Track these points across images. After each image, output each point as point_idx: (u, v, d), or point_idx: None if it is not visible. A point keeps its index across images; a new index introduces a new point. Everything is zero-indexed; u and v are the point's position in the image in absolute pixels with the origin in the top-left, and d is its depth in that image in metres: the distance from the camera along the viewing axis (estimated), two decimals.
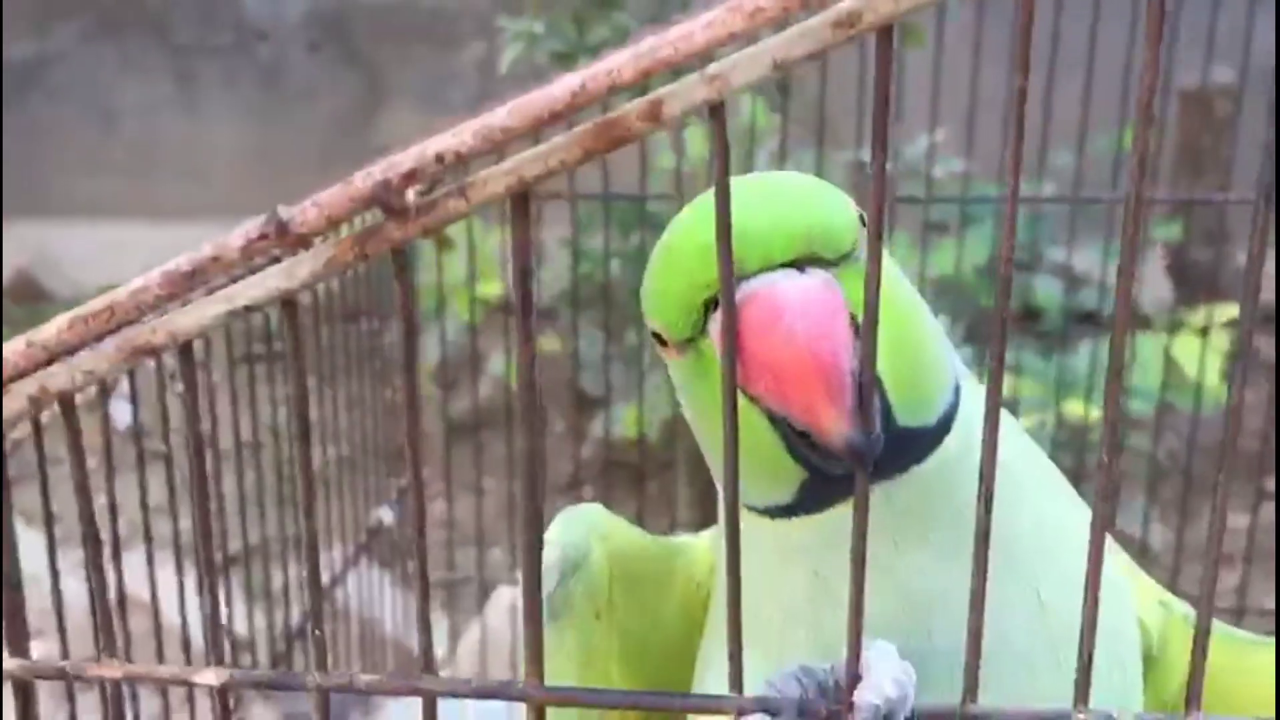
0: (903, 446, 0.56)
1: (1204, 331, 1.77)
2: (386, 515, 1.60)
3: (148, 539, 0.89)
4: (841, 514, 0.57)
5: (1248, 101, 1.72)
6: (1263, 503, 2.30)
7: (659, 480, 2.26)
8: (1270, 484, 2.39)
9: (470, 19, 4.22)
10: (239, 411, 1.32)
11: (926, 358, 0.57)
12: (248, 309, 0.45)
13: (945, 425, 0.57)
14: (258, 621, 1.41)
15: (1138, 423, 2.01)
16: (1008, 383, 1.82)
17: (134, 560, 1.09)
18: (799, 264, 0.54)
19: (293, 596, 1.46)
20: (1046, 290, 2.23)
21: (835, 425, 0.51)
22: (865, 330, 0.44)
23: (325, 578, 1.44)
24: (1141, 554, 1.76)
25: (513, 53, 2.65)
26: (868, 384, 0.47)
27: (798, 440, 0.55)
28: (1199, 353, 1.78)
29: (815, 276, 0.54)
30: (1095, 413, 1.86)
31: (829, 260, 0.55)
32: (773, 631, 0.60)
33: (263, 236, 0.43)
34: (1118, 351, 0.46)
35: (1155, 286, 2.29)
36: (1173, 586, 1.55)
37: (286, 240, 0.43)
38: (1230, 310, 1.96)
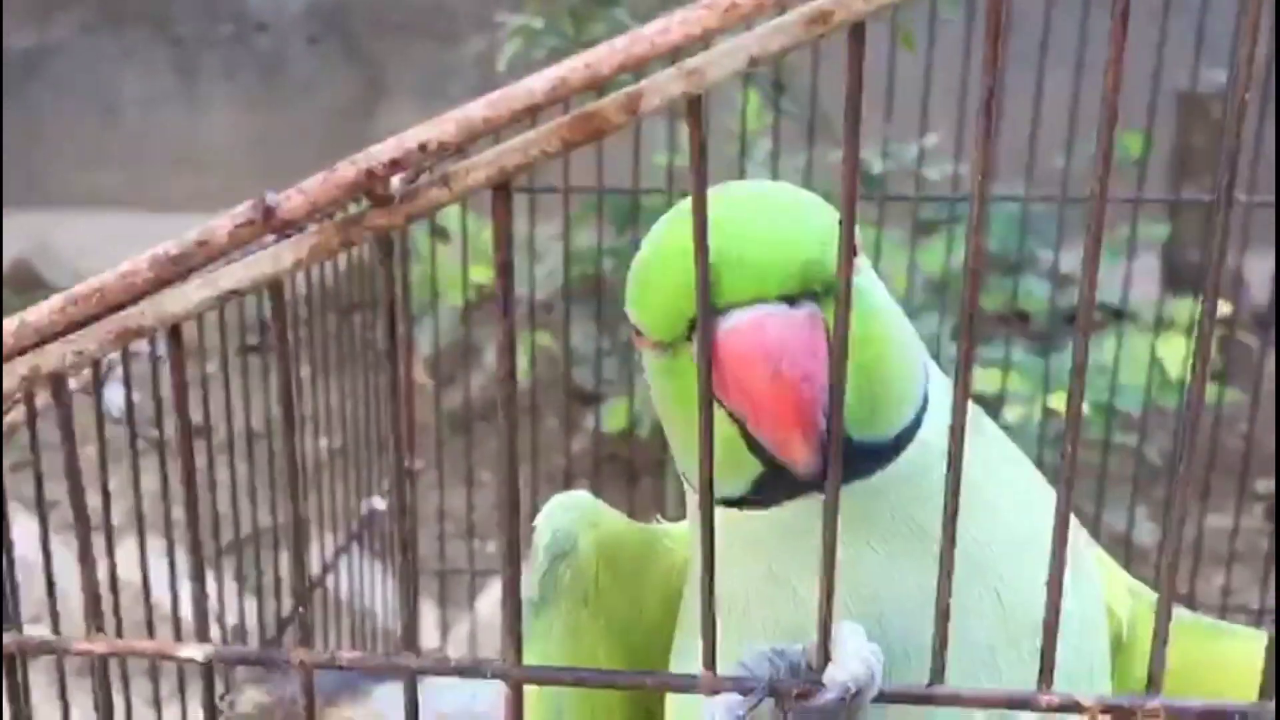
0: (855, 459, 0.57)
1: (1190, 330, 1.79)
2: (379, 504, 1.62)
3: (139, 520, 0.91)
4: (791, 511, 0.59)
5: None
6: (1251, 504, 2.32)
7: (651, 476, 2.27)
8: (1258, 485, 2.41)
9: (470, 14, 4.23)
10: (234, 402, 1.33)
11: (890, 379, 0.59)
12: (234, 293, 0.46)
13: (908, 436, 0.58)
14: (250, 611, 1.42)
15: (1125, 420, 2.02)
16: (997, 379, 1.83)
17: (127, 545, 1.11)
18: (789, 296, 0.55)
19: (284, 586, 1.47)
20: (1035, 291, 2.25)
21: (804, 457, 0.54)
22: (834, 368, 0.45)
23: (316, 566, 1.45)
24: (1127, 552, 1.78)
25: (511, 49, 2.67)
26: (836, 416, 0.47)
27: (760, 446, 0.56)
28: (1185, 352, 1.79)
29: (803, 312, 0.55)
30: (1084, 408, 1.87)
31: (817, 292, 0.56)
32: (733, 618, 0.61)
33: (248, 222, 0.44)
34: (1082, 335, 0.47)
35: (1146, 287, 2.30)
36: (1159, 585, 1.57)
37: (271, 226, 0.44)
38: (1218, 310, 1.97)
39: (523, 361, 2.08)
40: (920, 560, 0.58)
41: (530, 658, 0.66)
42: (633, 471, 1.90)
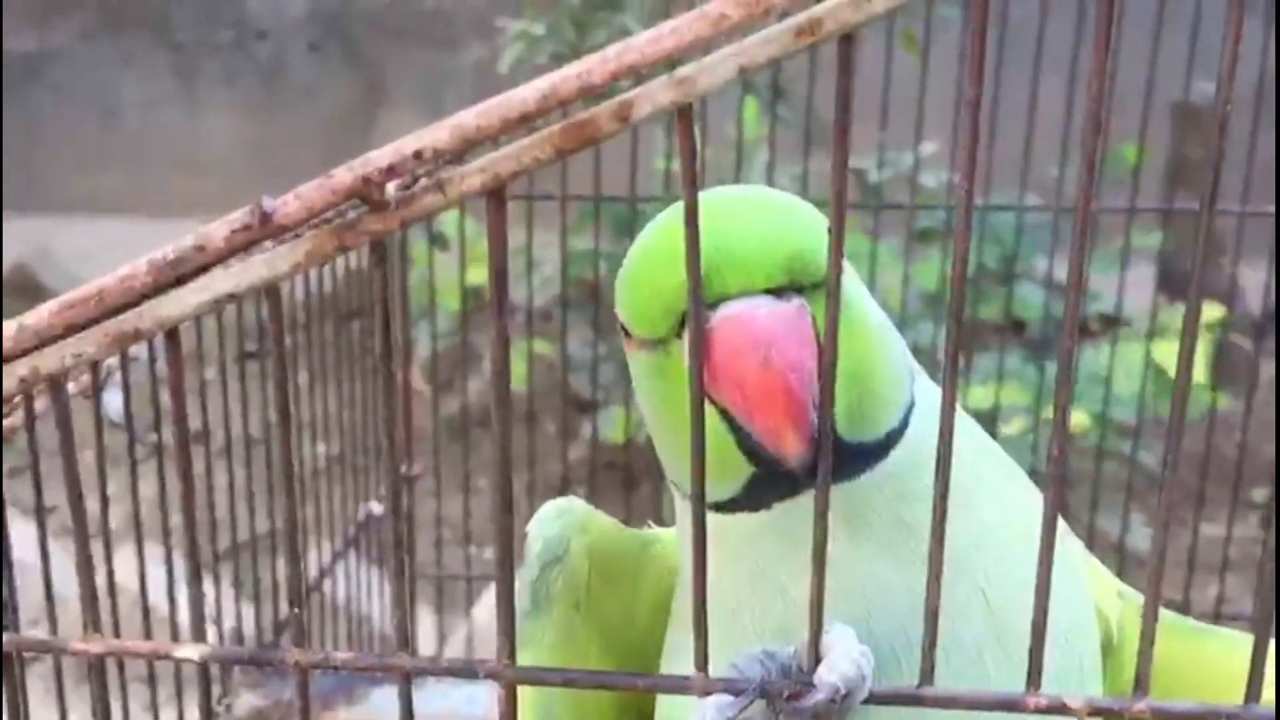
0: (843, 459, 0.58)
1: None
2: (376, 509, 1.62)
3: (137, 525, 0.91)
4: (780, 512, 0.60)
5: (1236, 114, 1.74)
6: (1246, 513, 2.32)
7: (648, 483, 2.28)
8: (1253, 494, 2.41)
9: (470, 20, 4.24)
10: (232, 408, 1.34)
11: (877, 379, 0.59)
12: (231, 297, 0.46)
13: (895, 438, 0.59)
14: (247, 616, 1.43)
15: (1120, 428, 2.03)
16: (992, 394, 1.84)
17: (125, 552, 1.11)
18: (777, 290, 0.56)
19: (281, 592, 1.47)
20: (1030, 299, 2.25)
21: (793, 447, 0.55)
22: (825, 359, 0.46)
23: (314, 571, 1.45)
24: (1121, 558, 1.78)
25: (512, 54, 2.67)
26: (824, 413, 0.48)
27: (754, 442, 0.57)
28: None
29: (791, 305, 0.56)
30: (1081, 419, 1.88)
31: (803, 285, 0.57)
32: (721, 619, 0.61)
33: (245, 227, 0.45)
34: (1069, 330, 0.47)
35: (1141, 296, 2.31)
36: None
37: (268, 231, 0.45)
38: (1213, 311, 1.99)
39: (520, 368, 2.08)
40: (907, 560, 0.59)
41: (522, 663, 0.67)
42: (630, 478, 1.90)
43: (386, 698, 1.22)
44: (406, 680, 0.50)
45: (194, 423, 1.29)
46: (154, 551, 1.16)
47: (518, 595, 0.69)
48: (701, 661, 0.48)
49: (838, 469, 0.57)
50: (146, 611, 1.00)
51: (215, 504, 1.30)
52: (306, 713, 0.50)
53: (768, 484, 0.59)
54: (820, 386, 0.46)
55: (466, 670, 0.50)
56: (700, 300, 0.45)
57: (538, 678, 0.50)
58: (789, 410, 0.54)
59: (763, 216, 0.58)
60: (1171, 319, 2.09)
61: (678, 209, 0.58)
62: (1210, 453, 1.74)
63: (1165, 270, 2.94)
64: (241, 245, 0.46)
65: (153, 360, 1.05)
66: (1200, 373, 1.96)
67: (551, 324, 2.58)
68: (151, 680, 1.04)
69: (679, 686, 0.49)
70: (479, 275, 2.13)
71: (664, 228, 0.59)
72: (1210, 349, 2.11)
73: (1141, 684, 0.47)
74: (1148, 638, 0.47)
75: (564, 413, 1.97)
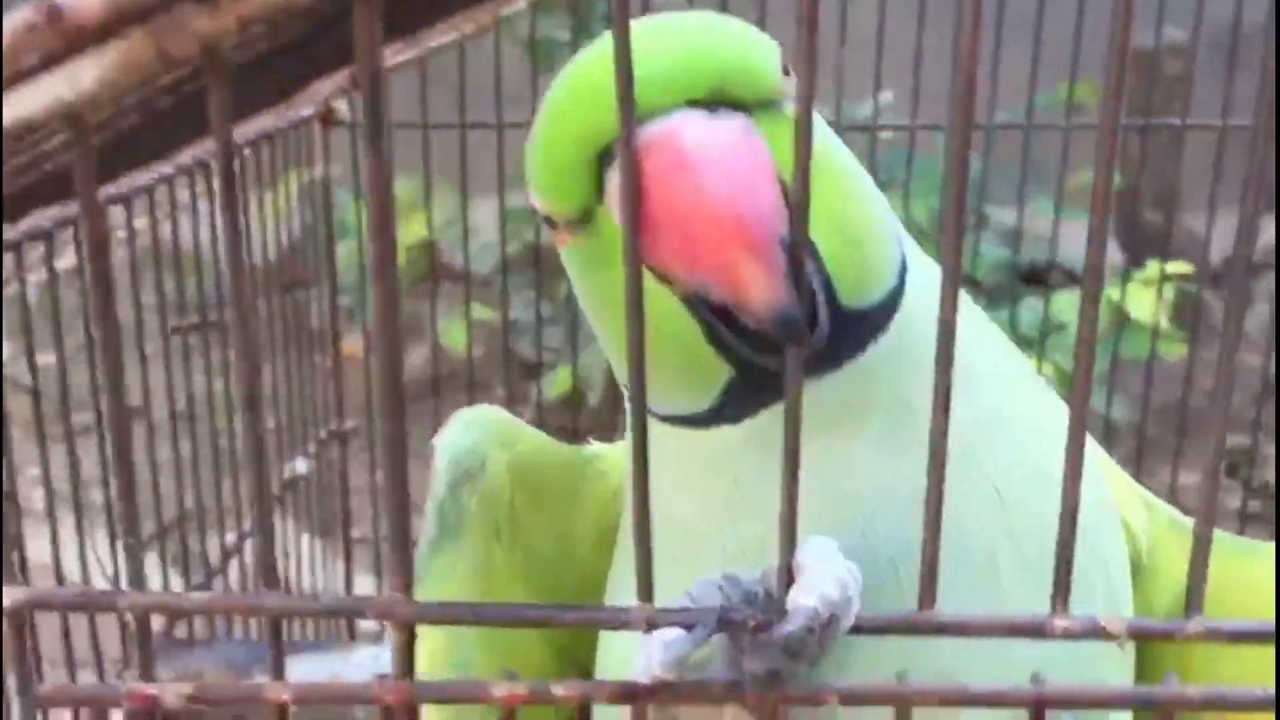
0: (847, 332, 0.47)
1: (1161, 281, 1.73)
2: (302, 467, 1.51)
3: (46, 482, 0.80)
4: (765, 421, 0.49)
5: (1214, 53, 1.67)
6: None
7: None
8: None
9: None
10: (164, 384, 1.24)
11: (869, 225, 0.49)
12: (25, 126, 0.36)
13: (892, 304, 0.49)
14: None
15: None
16: None
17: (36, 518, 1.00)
18: (709, 105, 0.46)
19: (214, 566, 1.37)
20: (992, 251, 2.18)
21: (762, 292, 0.42)
22: (797, 182, 0.36)
23: (232, 537, 1.34)
24: None
25: None
26: (799, 247, 0.38)
27: (723, 327, 0.46)
28: (1153, 303, 1.73)
29: (729, 118, 0.45)
30: (1045, 369, 1.81)
31: (746, 103, 0.46)
32: (689, 546, 0.51)
33: (30, 28, 0.34)
34: (1096, 247, 0.39)
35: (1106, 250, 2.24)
36: None
37: (64, 34, 0.34)
38: (1180, 266, 1.94)
39: (461, 335, 1.98)
40: (910, 448, 0.48)
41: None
42: (579, 440, 1.80)
43: (310, 667, 1.11)
44: (274, 624, 0.40)
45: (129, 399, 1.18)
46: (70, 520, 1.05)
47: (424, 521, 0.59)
48: (645, 590, 0.38)
49: (843, 346, 0.47)
50: (60, 580, 0.89)
51: (146, 479, 1.19)
52: (147, 662, 0.39)
53: (750, 389, 0.48)
54: (793, 211, 0.36)
55: (350, 609, 0.40)
56: (631, 113, 0.35)
57: (440, 615, 0.39)
58: (744, 239, 0.42)
59: (683, 24, 0.47)
60: (1137, 277, 2.03)
61: (574, 60, 0.48)
62: (1185, 405, 1.68)
63: (1126, 222, 2.88)
64: (31, 60, 0.35)
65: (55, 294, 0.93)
66: (1165, 322, 1.91)
67: (492, 290, 2.47)
68: (66, 639, 0.92)
69: (617, 620, 0.39)
70: (416, 232, 2.01)
71: (560, 79, 0.49)
72: (1176, 302, 2.06)
73: (1194, 602, 0.38)
74: (1203, 544, 0.38)
75: (508, 377, 1.87)
